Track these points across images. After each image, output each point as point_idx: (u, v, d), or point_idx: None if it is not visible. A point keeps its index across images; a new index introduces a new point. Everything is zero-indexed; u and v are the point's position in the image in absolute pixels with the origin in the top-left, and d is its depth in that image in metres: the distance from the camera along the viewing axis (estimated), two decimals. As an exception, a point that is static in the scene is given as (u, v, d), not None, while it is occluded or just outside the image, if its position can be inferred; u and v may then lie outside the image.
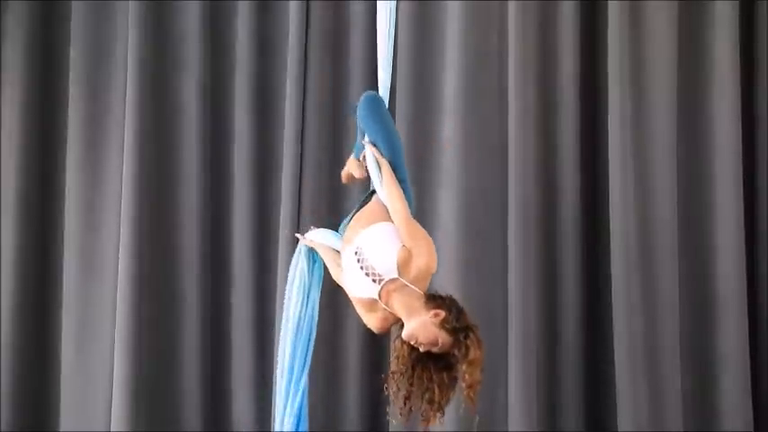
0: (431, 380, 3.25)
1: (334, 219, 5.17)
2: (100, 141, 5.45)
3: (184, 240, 5.39)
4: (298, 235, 3.70)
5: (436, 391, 3.24)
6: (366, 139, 3.56)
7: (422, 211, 4.91)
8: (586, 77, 5.22)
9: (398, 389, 3.28)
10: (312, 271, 3.66)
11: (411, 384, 3.26)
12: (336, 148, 5.29)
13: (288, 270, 5.11)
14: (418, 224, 3.38)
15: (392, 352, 3.31)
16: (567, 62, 5.19)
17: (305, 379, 3.60)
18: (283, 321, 3.66)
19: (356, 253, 3.32)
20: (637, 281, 5.05)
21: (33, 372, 5.46)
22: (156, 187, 5.39)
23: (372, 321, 3.34)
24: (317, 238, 3.63)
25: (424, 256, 3.27)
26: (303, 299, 3.63)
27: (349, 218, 3.56)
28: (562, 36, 5.19)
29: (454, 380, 3.26)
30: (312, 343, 3.64)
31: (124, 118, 5.34)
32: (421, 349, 3.22)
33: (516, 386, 5.01)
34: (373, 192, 3.54)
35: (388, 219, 3.40)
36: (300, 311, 3.61)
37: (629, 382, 4.99)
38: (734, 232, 5.08)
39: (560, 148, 5.19)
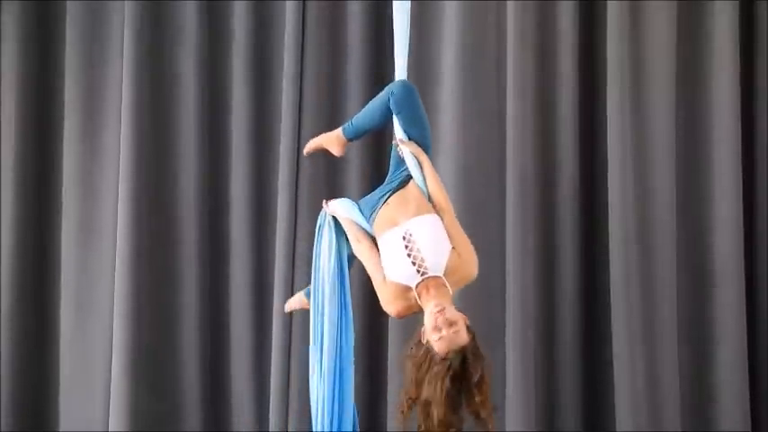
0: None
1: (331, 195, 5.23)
2: (98, 112, 5.47)
3: (182, 211, 5.41)
4: (323, 203, 3.69)
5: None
6: (401, 135, 3.57)
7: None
8: (585, 77, 5.21)
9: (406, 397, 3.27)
10: (339, 230, 3.65)
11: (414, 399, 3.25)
12: (334, 103, 5.32)
13: (284, 248, 5.16)
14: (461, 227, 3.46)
15: (406, 359, 3.30)
16: (565, 62, 5.17)
17: (351, 345, 3.61)
18: (312, 282, 3.65)
19: (404, 238, 3.37)
20: (636, 281, 5.04)
21: (32, 343, 5.49)
22: (153, 159, 5.39)
23: (394, 306, 3.36)
24: (340, 210, 3.63)
25: (471, 267, 3.38)
26: (334, 254, 3.62)
27: (383, 195, 3.55)
28: (561, 36, 5.17)
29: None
30: (350, 300, 3.63)
31: (121, 89, 5.35)
32: (438, 321, 3.19)
33: (514, 385, 5.00)
34: (409, 176, 3.56)
35: (433, 210, 3.47)
36: (333, 268, 3.61)
37: (628, 382, 4.99)
38: (733, 231, 5.07)
39: (559, 149, 5.18)
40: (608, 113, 5.09)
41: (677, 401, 5.02)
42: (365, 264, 3.50)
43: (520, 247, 5.07)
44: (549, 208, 5.18)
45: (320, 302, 3.62)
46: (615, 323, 5.02)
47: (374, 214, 3.53)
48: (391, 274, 3.37)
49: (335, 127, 5.24)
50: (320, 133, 5.24)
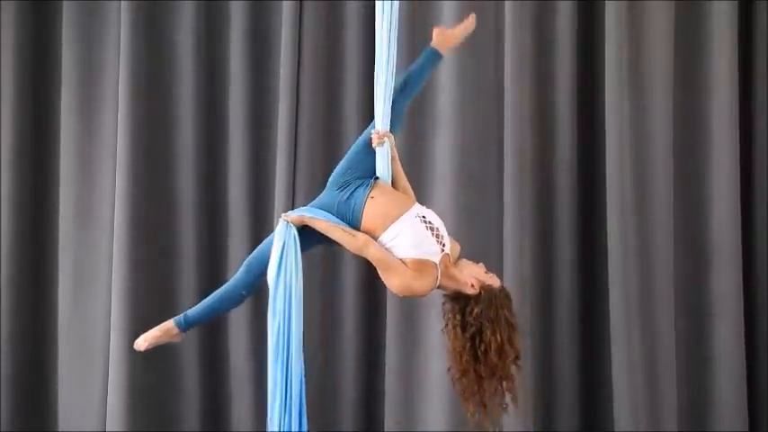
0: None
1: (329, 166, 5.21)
2: (94, 88, 5.47)
3: (180, 191, 5.42)
4: (283, 215, 3.63)
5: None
6: (382, 128, 3.64)
7: (418, 157, 5.03)
8: (584, 77, 5.20)
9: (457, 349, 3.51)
10: (296, 251, 3.59)
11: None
12: (331, 102, 5.32)
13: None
14: None
15: (445, 315, 3.56)
16: (564, 61, 5.16)
17: (301, 363, 3.60)
18: (274, 301, 3.58)
19: (421, 221, 3.54)
20: (635, 282, 5.04)
21: (30, 324, 5.51)
22: (151, 138, 5.38)
23: (426, 281, 3.49)
24: (309, 214, 3.61)
25: (458, 246, 3.62)
26: (301, 270, 3.59)
27: (359, 186, 3.59)
28: (560, 35, 5.17)
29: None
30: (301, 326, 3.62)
31: (119, 65, 5.34)
32: (483, 267, 3.54)
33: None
34: (374, 173, 3.65)
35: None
36: (301, 285, 3.58)
37: (627, 382, 4.99)
38: (732, 232, 5.08)
39: (558, 148, 5.18)
40: (606, 113, 5.08)
41: (674, 402, 5.03)
42: (371, 252, 3.51)
43: (518, 194, 5.09)
44: (546, 207, 5.18)
45: (285, 320, 3.57)
46: (614, 322, 5.02)
47: (360, 209, 3.57)
48: (417, 252, 3.49)
49: (332, 126, 5.29)
50: (317, 130, 5.27)
